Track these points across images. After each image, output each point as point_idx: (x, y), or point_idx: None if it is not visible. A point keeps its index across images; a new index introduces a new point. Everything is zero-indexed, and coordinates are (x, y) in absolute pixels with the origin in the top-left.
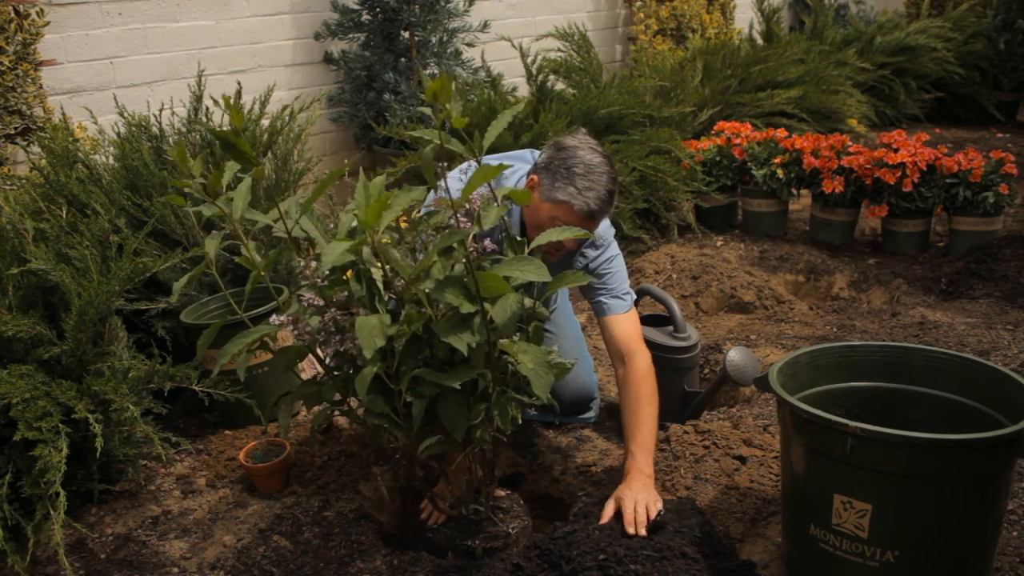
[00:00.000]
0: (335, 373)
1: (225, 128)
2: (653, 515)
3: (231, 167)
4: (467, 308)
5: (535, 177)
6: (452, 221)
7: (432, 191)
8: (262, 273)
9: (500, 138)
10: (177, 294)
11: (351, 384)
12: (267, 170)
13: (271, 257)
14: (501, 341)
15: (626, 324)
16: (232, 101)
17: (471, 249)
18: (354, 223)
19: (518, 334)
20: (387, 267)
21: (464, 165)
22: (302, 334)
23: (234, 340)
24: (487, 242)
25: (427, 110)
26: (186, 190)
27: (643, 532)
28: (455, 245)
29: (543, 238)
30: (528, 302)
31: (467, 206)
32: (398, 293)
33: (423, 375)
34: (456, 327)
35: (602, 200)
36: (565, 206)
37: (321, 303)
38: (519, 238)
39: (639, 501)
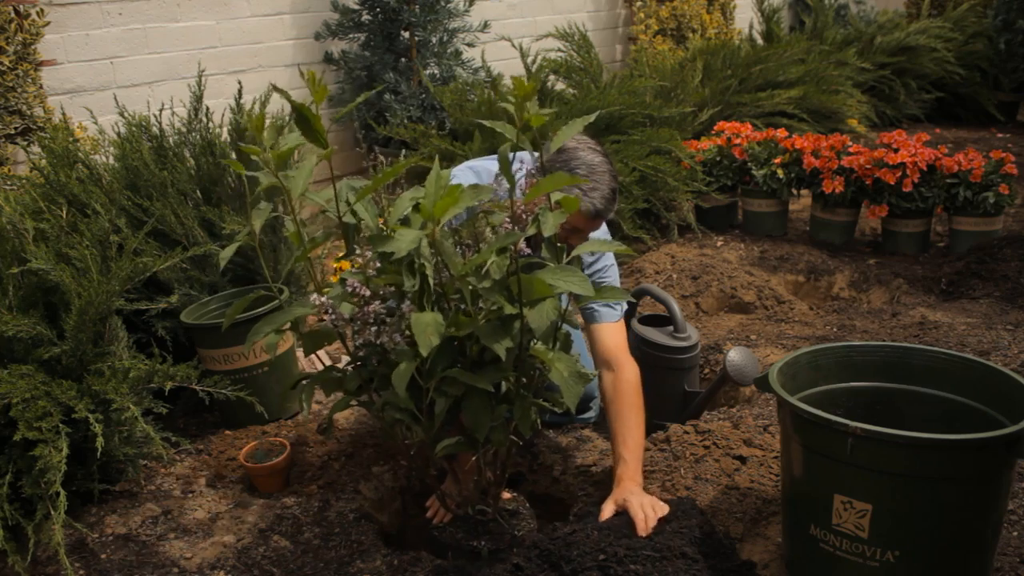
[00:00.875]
0: (358, 364)
1: (226, 128)
2: (661, 515)
3: (296, 138)
4: (508, 310)
5: (534, 180)
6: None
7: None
8: (308, 256)
9: (499, 139)
10: (224, 262)
11: (375, 376)
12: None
13: (319, 240)
14: (535, 347)
15: (616, 334)
16: (234, 101)
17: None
18: (407, 211)
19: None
20: (436, 260)
21: (471, 162)
22: (338, 319)
23: (267, 320)
24: (523, 244)
25: (510, 107)
26: (253, 158)
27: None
28: (509, 246)
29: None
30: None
31: (515, 209)
32: (442, 286)
33: (455, 375)
34: (497, 332)
35: (606, 199)
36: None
37: (367, 292)
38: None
39: (644, 504)
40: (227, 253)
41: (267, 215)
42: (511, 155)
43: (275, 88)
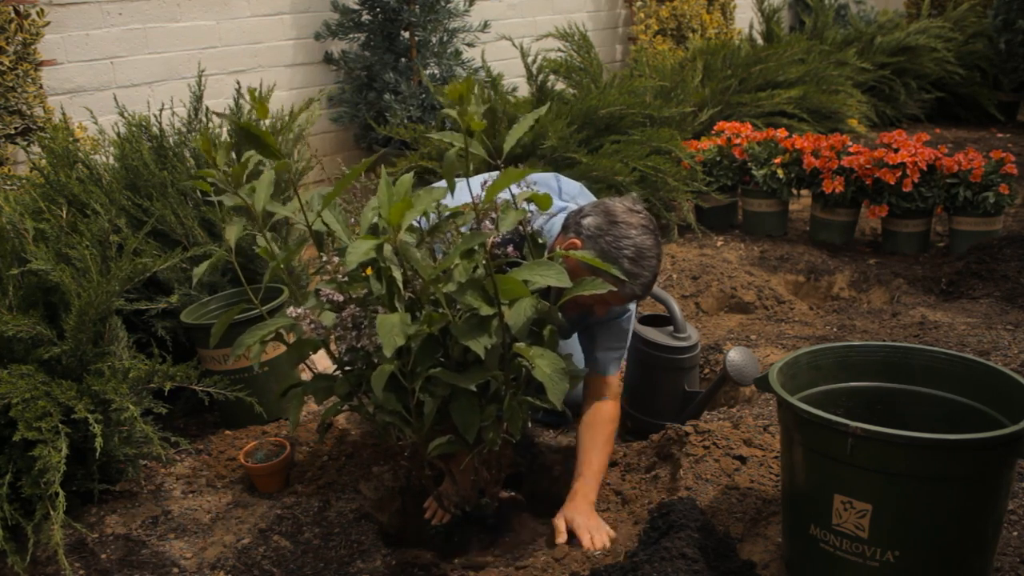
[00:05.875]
0: (347, 369)
1: (226, 128)
2: (606, 544)
3: (253, 157)
4: (486, 311)
5: (577, 242)
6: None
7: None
8: (281, 266)
9: (500, 137)
10: (197, 279)
11: (363, 380)
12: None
13: (292, 249)
14: (517, 345)
15: (613, 384)
16: (235, 99)
17: (495, 253)
18: (375, 220)
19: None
20: (407, 266)
21: (483, 177)
22: (318, 328)
23: (250, 331)
24: (510, 249)
25: (453, 112)
26: (210, 180)
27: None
28: (476, 248)
29: (575, 291)
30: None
31: (493, 214)
32: (416, 292)
33: (439, 376)
34: (474, 330)
35: (647, 287)
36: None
37: (340, 298)
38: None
39: (592, 528)
40: (200, 270)
41: (240, 230)
42: (547, 177)
43: (216, 113)
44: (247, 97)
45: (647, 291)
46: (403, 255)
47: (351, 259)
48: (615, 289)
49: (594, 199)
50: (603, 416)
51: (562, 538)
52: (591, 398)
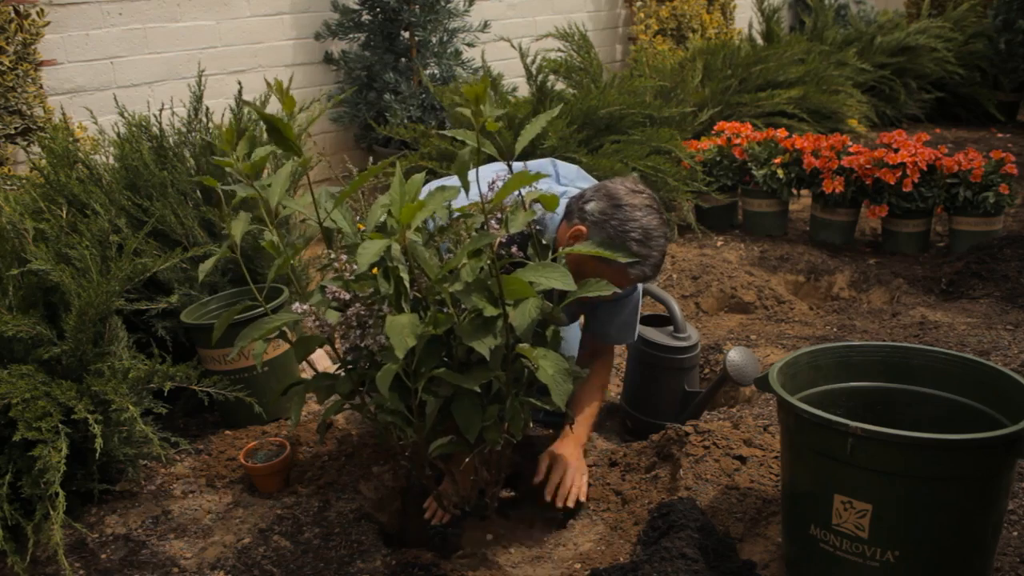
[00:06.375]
0: (349, 368)
1: (225, 129)
2: (575, 497)
3: (268, 149)
4: (490, 311)
5: (583, 228)
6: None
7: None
8: (291, 262)
9: (501, 137)
10: (203, 276)
11: (366, 379)
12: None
13: (299, 246)
14: (520, 346)
15: (614, 348)
16: (235, 101)
17: (500, 253)
18: (383, 218)
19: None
20: (413, 265)
21: (492, 168)
22: (323, 326)
23: (253, 326)
24: (514, 249)
25: (466, 111)
26: (227, 170)
27: (559, 505)
28: (483, 248)
29: (580, 292)
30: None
31: (499, 213)
32: (422, 291)
33: (442, 376)
34: (479, 331)
35: (656, 267)
36: (618, 270)
37: (346, 296)
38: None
39: (570, 471)
40: (206, 266)
41: (246, 224)
42: (543, 163)
43: (245, 102)
44: (273, 90)
45: (656, 271)
46: (411, 254)
47: (363, 259)
48: (626, 271)
49: (593, 181)
50: (597, 365)
51: (539, 478)
52: (587, 353)
